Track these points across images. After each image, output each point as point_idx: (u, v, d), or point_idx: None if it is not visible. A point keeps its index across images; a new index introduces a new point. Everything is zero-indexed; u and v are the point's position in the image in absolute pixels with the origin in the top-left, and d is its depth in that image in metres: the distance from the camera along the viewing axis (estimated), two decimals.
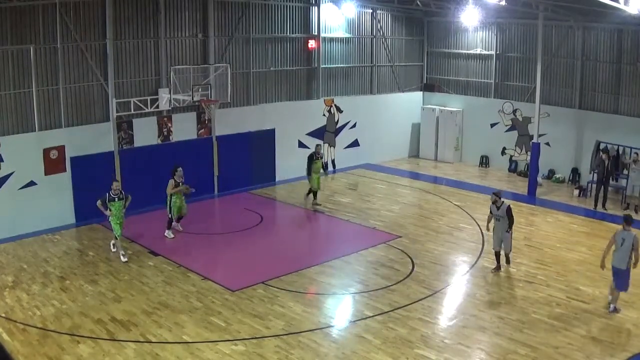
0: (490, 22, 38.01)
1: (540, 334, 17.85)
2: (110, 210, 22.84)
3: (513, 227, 22.27)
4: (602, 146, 31.91)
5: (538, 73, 32.49)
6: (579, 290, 21.06)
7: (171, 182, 25.12)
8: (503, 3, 29.64)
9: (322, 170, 30.11)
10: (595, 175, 31.34)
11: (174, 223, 25.98)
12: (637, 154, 30.47)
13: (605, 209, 30.34)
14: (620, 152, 31.76)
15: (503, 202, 22.17)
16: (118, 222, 22.98)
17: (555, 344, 17.31)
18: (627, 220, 19.11)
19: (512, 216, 22.16)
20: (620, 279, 19.12)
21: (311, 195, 30.36)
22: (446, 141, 40.41)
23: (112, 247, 24.01)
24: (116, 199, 22.85)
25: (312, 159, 29.57)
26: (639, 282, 21.63)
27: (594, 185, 31.45)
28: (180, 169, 25.21)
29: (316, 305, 19.87)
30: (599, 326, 18.45)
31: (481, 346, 17.22)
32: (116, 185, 23.08)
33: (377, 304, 19.71)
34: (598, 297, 20.45)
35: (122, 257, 23.11)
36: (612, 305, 19.26)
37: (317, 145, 30.42)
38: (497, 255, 22.54)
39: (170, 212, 25.54)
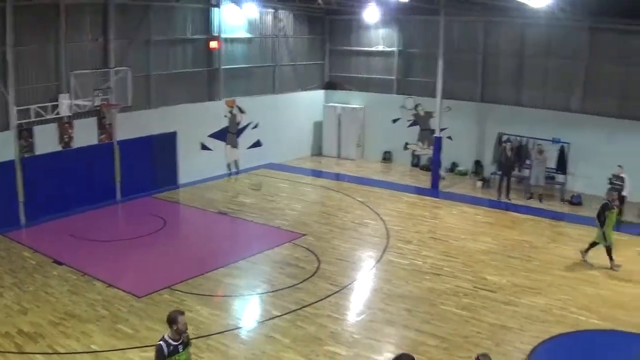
0: (392, 19, 38.19)
1: (450, 325, 17.91)
2: None
3: None
4: (504, 138, 32.33)
5: (439, 68, 32.68)
6: (486, 279, 21.30)
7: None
8: (405, 0, 29.77)
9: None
10: (498, 166, 31.77)
11: None
12: (540, 144, 30.95)
13: (509, 199, 30.79)
14: (523, 143, 32.21)
15: None
16: None
17: (464, 333, 17.39)
18: None
19: None
20: None
21: (590, 252, 23.27)
22: (349, 138, 40.36)
23: None
24: (180, 348, 12.44)
25: (606, 208, 22.80)
26: (545, 269, 22.16)
27: (497, 177, 31.86)
28: None
29: (223, 308, 19.54)
30: (508, 314, 18.65)
31: (390, 339, 17.18)
32: (183, 323, 12.36)
33: (284, 303, 19.47)
34: (505, 286, 20.73)
35: None
36: None
37: (611, 191, 24.27)
38: None
39: None
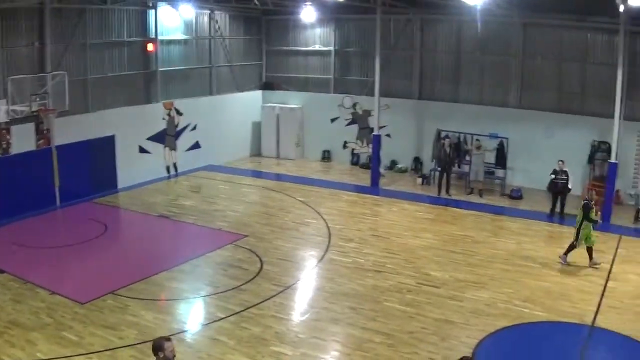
0: (328, 19, 38.33)
1: (394, 321, 17.93)
2: None
3: None
4: (442, 134, 32.59)
5: (376, 66, 32.79)
6: (429, 275, 21.42)
7: None
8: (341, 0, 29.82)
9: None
10: (437, 162, 32.02)
11: None
12: (478, 140, 31.32)
13: (449, 195, 31.11)
14: (462, 139, 32.52)
15: None
16: None
17: (409, 329, 17.44)
18: None
19: None
20: None
21: (571, 252, 22.74)
22: (287, 138, 40.34)
23: None
24: None
25: (588, 208, 22.24)
26: (487, 263, 22.42)
27: (437, 173, 32.13)
28: None
29: (168, 312, 19.28)
30: (452, 308, 18.78)
31: (336, 338, 17.17)
32: (171, 349, 10.88)
33: (228, 305, 19.32)
34: (448, 281, 20.90)
35: None
36: None
37: (589, 190, 24.27)
38: None
39: None
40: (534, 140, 31.76)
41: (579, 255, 22.63)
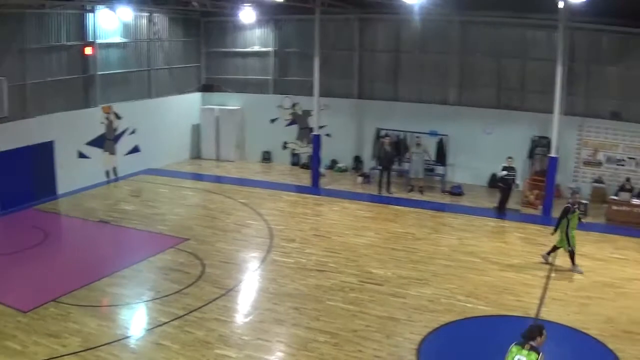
0: (268, 20, 38.26)
1: (338, 320, 17.97)
2: None
3: None
4: (382, 133, 32.73)
5: (315, 66, 32.85)
6: (371, 273, 21.51)
7: None
8: (280, 0, 29.75)
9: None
10: (378, 161, 32.16)
11: None
12: (418, 137, 31.50)
13: (390, 193, 31.30)
14: (402, 137, 32.69)
15: None
16: None
17: (353, 327, 17.48)
18: None
19: None
20: None
21: (556, 253, 22.66)
22: (227, 140, 40.20)
23: None
24: None
25: (568, 211, 21.77)
26: (430, 260, 22.62)
27: (377, 172, 32.28)
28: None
29: (111, 318, 18.98)
30: (395, 306, 18.87)
31: (280, 338, 17.12)
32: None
33: (171, 309, 19.13)
34: (390, 278, 21.02)
35: None
36: None
37: (574, 193, 23.66)
38: None
39: None
40: (474, 136, 32.12)
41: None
